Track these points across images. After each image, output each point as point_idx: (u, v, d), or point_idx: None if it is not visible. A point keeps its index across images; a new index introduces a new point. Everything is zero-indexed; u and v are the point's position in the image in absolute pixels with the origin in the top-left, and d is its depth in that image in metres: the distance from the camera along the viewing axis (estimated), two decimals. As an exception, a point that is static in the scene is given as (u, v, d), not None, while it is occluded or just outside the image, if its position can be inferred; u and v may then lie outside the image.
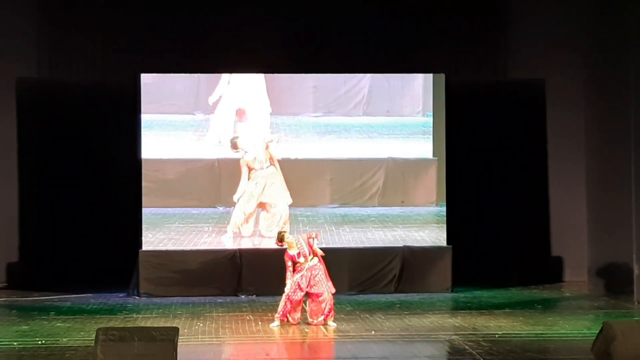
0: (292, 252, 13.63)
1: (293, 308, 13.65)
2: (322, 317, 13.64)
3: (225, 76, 17.12)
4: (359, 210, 17.49)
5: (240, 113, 17.15)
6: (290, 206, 17.00)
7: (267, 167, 16.98)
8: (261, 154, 16.95)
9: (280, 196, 16.97)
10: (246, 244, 16.93)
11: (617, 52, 16.10)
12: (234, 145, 16.97)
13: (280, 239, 13.77)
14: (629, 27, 15.65)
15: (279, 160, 17.01)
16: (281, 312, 13.62)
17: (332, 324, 13.58)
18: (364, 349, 12.27)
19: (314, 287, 13.60)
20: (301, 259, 13.60)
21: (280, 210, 16.96)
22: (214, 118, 17.08)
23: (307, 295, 13.70)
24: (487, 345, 12.02)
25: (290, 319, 13.67)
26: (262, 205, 17.03)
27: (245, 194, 16.94)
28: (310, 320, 13.68)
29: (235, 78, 17.16)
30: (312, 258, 13.66)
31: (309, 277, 13.59)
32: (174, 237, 16.98)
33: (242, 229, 16.97)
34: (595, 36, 16.84)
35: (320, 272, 13.66)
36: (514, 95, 18.33)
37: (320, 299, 13.61)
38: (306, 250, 13.62)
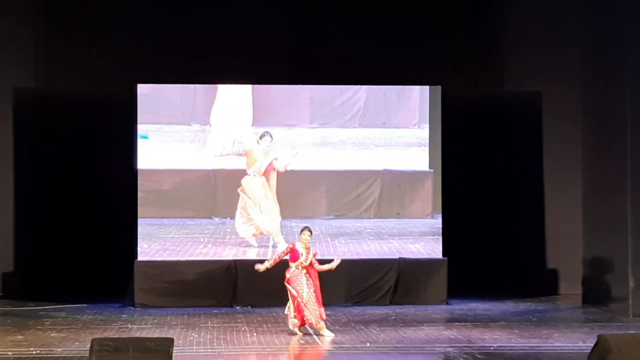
0: (299, 247, 13.71)
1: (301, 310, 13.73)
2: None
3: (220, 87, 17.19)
4: (355, 222, 17.49)
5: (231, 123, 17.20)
6: (286, 217, 16.99)
7: (260, 176, 16.96)
8: (264, 164, 16.95)
9: (268, 210, 16.99)
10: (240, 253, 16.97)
11: (614, 66, 16.12)
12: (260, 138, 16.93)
13: (310, 230, 13.82)
14: (626, 40, 15.68)
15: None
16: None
17: (328, 335, 13.55)
18: (359, 360, 12.28)
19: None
20: (293, 263, 13.67)
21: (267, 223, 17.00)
22: (212, 130, 17.10)
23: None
24: (483, 358, 12.02)
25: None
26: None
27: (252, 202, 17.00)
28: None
29: (224, 89, 17.18)
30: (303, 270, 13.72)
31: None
32: (169, 247, 16.97)
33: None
34: (592, 49, 16.86)
35: (303, 280, 13.71)
36: (511, 108, 18.35)
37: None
38: (302, 260, 13.66)
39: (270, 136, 16.87)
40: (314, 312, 13.56)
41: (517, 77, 18.21)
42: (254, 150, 16.91)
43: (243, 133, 17.04)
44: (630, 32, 15.60)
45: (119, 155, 17.34)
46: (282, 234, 16.84)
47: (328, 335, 13.51)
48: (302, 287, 13.64)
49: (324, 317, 13.73)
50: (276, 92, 17.47)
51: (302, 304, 13.57)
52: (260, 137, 16.88)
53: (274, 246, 16.70)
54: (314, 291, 13.67)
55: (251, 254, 16.87)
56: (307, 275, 13.72)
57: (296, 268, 13.72)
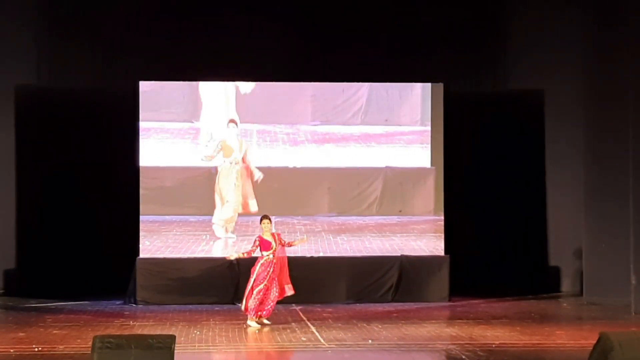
0: (266, 237, 14.11)
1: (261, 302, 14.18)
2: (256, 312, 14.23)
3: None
4: (357, 219, 17.49)
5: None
6: (288, 215, 17.00)
7: (235, 164, 17.01)
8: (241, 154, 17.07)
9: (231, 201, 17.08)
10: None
11: (616, 64, 16.11)
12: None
13: (269, 218, 14.24)
14: (629, 38, 15.67)
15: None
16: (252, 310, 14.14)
17: (254, 326, 14.09)
18: (360, 358, 12.27)
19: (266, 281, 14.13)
20: (266, 251, 14.09)
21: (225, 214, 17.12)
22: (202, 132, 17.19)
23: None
24: (484, 355, 12.01)
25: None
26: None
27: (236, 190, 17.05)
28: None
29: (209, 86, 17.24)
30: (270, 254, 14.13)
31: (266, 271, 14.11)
32: (171, 244, 16.98)
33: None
34: (595, 47, 16.85)
35: (271, 270, 14.09)
36: (513, 105, 18.35)
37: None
38: (274, 246, 14.10)
39: (236, 123, 16.90)
40: (268, 304, 14.17)
41: (519, 75, 18.20)
42: (228, 140, 16.92)
43: (215, 129, 17.08)
44: (633, 29, 15.58)
45: (121, 153, 17.37)
46: (234, 230, 16.99)
47: (253, 326, 14.05)
48: (266, 277, 14.05)
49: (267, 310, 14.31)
50: (279, 89, 17.47)
51: (259, 294, 14.06)
52: (227, 125, 16.90)
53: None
54: (276, 284, 14.17)
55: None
56: (275, 266, 14.12)
57: (269, 256, 14.08)
